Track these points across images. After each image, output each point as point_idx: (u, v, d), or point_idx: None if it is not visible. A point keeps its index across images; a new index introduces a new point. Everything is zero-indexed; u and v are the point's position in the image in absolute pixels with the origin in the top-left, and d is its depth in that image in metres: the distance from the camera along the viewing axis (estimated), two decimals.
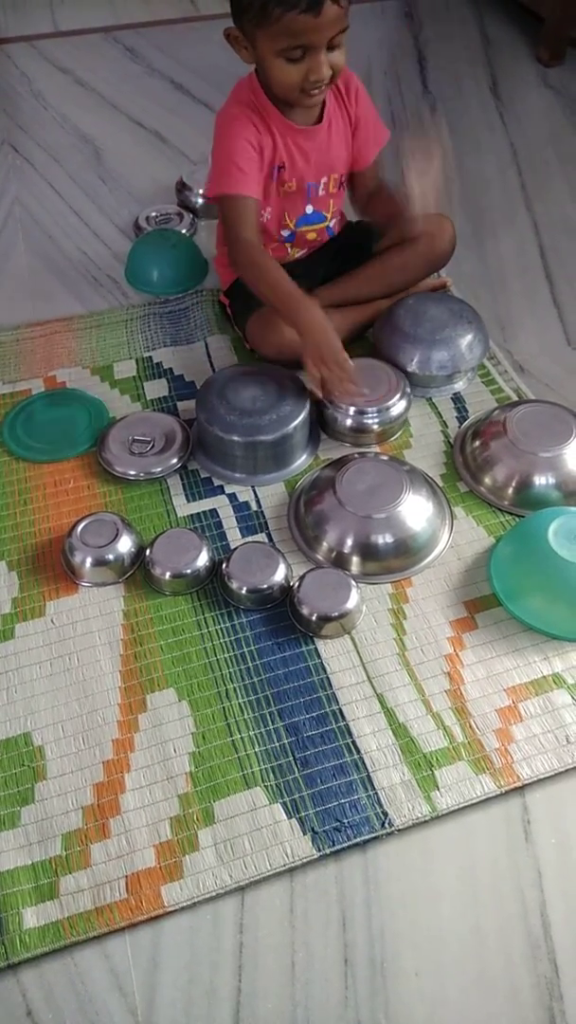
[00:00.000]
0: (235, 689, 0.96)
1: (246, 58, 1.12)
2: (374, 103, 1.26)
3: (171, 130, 1.89)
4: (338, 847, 0.84)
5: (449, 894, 0.82)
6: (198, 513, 1.14)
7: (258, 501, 1.16)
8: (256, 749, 0.91)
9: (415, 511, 1.07)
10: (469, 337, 1.25)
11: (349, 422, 1.20)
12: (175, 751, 0.91)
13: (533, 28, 2.21)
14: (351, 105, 1.22)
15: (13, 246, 1.60)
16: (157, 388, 1.31)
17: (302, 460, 1.20)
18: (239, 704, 0.95)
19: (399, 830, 0.85)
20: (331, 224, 1.31)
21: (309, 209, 1.26)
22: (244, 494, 1.17)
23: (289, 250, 1.31)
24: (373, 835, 0.85)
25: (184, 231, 1.58)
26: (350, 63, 1.14)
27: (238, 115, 1.16)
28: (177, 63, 2.14)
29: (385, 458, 1.14)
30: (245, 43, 1.09)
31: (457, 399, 1.30)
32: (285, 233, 1.27)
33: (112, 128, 1.92)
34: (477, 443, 1.18)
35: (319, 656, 0.99)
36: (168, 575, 1.03)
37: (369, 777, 0.89)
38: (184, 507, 1.15)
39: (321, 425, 1.24)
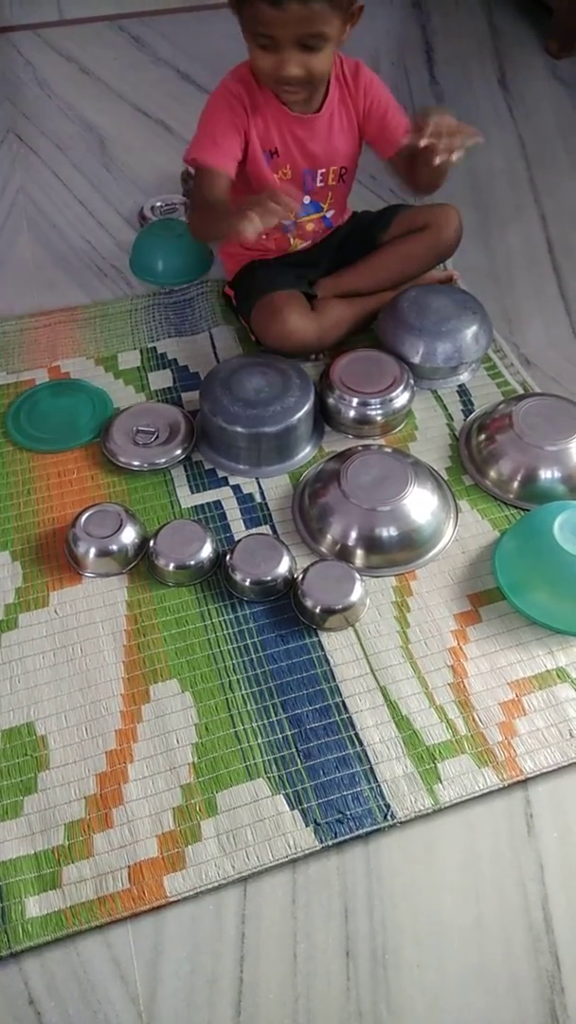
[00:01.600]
0: (238, 681, 0.96)
1: (243, 33, 1.11)
2: None
3: (176, 119, 1.88)
4: (340, 839, 0.84)
5: (451, 887, 0.82)
6: (202, 504, 1.14)
7: (262, 493, 1.15)
8: (259, 740, 0.91)
9: (420, 504, 1.07)
10: (474, 328, 1.24)
11: (352, 413, 1.20)
12: (178, 742, 0.91)
13: (542, 19, 2.19)
14: (359, 98, 1.20)
15: (18, 235, 1.59)
16: (161, 379, 1.31)
17: (306, 452, 1.20)
18: (242, 696, 0.94)
19: (401, 822, 0.85)
20: (328, 215, 1.30)
21: (306, 200, 1.25)
22: (248, 486, 1.16)
23: (291, 240, 1.30)
24: (375, 827, 0.85)
25: None
26: (358, 53, 1.13)
27: (230, 92, 1.16)
28: (183, 52, 2.13)
29: (390, 451, 1.14)
30: (238, 18, 1.09)
31: (463, 392, 1.29)
32: (285, 222, 1.26)
33: (117, 117, 1.91)
34: (483, 436, 1.18)
35: (322, 648, 0.99)
36: (172, 566, 1.03)
37: (372, 769, 0.89)
38: (188, 498, 1.15)
39: (325, 417, 1.24)
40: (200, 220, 1.20)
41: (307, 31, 1.03)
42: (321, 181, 1.24)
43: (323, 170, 1.23)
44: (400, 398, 1.20)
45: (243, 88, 1.16)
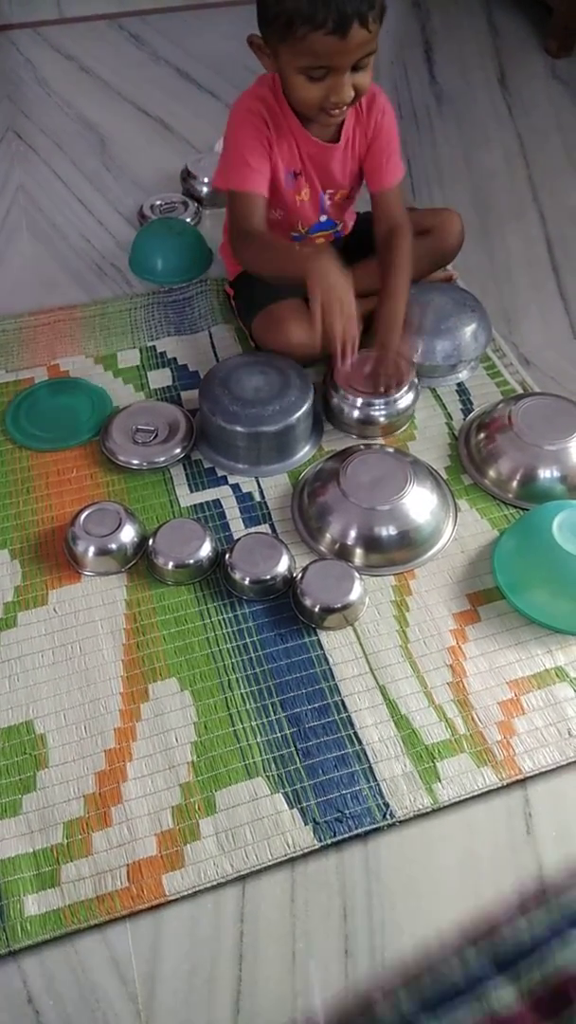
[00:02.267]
0: (237, 679, 0.96)
1: (268, 66, 1.09)
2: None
3: (176, 118, 1.88)
4: (339, 838, 0.84)
5: (450, 886, 0.82)
6: (201, 503, 1.14)
7: (261, 492, 1.15)
8: (258, 739, 0.91)
9: (419, 503, 1.07)
10: (473, 326, 1.24)
11: (356, 414, 1.20)
12: (177, 740, 0.91)
13: (541, 19, 2.19)
14: (369, 126, 1.19)
15: (17, 234, 1.59)
16: (161, 377, 1.31)
17: (305, 451, 1.20)
18: (241, 694, 0.94)
19: (400, 821, 0.85)
20: (340, 228, 1.31)
21: (323, 218, 1.26)
22: (247, 485, 1.16)
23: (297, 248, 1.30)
24: (374, 826, 0.85)
25: (189, 220, 1.57)
26: None
27: (255, 111, 1.14)
28: (183, 51, 2.13)
29: (389, 450, 1.14)
30: (268, 52, 1.06)
31: (462, 391, 1.29)
32: (294, 235, 1.26)
33: (117, 116, 1.91)
34: (482, 436, 1.18)
35: (321, 647, 0.99)
36: (171, 565, 1.03)
37: (371, 768, 0.89)
38: (187, 497, 1.15)
39: (328, 417, 1.24)
40: (258, 258, 1.15)
41: (365, 52, 1.01)
42: (329, 200, 1.24)
43: (331, 191, 1.23)
44: (404, 399, 1.20)
45: (264, 108, 1.13)
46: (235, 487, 1.16)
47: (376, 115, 1.19)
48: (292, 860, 0.83)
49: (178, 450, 1.17)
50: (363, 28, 0.98)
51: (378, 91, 1.19)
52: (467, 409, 1.26)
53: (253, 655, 0.98)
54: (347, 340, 1.09)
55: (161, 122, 1.89)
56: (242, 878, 0.82)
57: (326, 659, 0.98)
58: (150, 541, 1.05)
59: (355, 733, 0.91)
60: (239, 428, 1.13)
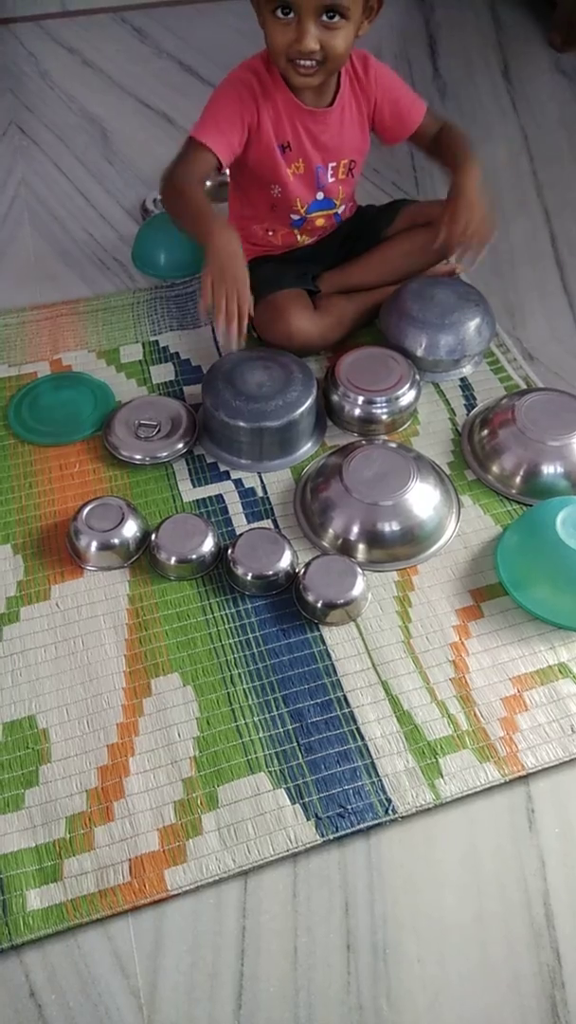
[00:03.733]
0: (240, 675, 0.96)
1: (259, 20, 1.09)
2: None
3: (179, 112, 1.87)
4: (341, 833, 0.84)
5: (452, 882, 0.82)
6: (204, 498, 1.14)
7: (264, 487, 1.15)
8: (260, 735, 0.91)
9: (422, 499, 1.07)
10: (477, 320, 1.24)
11: (358, 412, 1.19)
12: (179, 735, 0.91)
13: (545, 13, 2.18)
14: (370, 89, 1.19)
15: (19, 228, 1.59)
16: (163, 372, 1.31)
17: (308, 447, 1.19)
18: (244, 690, 0.94)
19: (403, 817, 0.85)
20: (340, 211, 1.30)
21: (320, 195, 1.25)
22: (250, 480, 1.16)
23: (298, 236, 1.30)
24: (377, 822, 0.85)
25: None
26: (361, 45, 1.12)
27: (242, 80, 1.14)
28: (186, 44, 2.12)
29: (392, 445, 1.13)
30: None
31: (465, 387, 1.29)
32: (295, 217, 1.26)
33: (119, 109, 1.90)
34: (485, 431, 1.18)
35: (324, 643, 0.98)
36: (173, 560, 1.03)
37: (373, 764, 0.89)
38: (190, 492, 1.14)
39: (329, 414, 1.23)
40: (173, 204, 1.15)
41: (330, 1, 1.01)
42: (332, 176, 1.23)
43: (333, 163, 1.22)
44: (406, 396, 1.19)
45: (255, 78, 1.14)
46: (238, 482, 1.16)
47: (373, 76, 1.19)
48: (294, 855, 0.83)
49: (181, 445, 1.17)
50: None
51: (367, 54, 1.19)
52: (470, 404, 1.26)
53: (255, 650, 0.98)
54: (232, 311, 1.05)
55: (164, 116, 1.88)
56: (244, 873, 0.82)
57: (328, 655, 0.97)
58: (152, 536, 1.05)
59: (357, 729, 0.91)
60: (242, 423, 1.13)
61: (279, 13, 1.03)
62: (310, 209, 1.25)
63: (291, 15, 1.03)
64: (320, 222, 1.29)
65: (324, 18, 1.03)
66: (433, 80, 2.02)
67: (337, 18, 1.03)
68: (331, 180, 1.24)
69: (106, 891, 0.80)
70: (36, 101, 1.93)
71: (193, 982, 0.77)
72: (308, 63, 1.07)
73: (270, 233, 1.28)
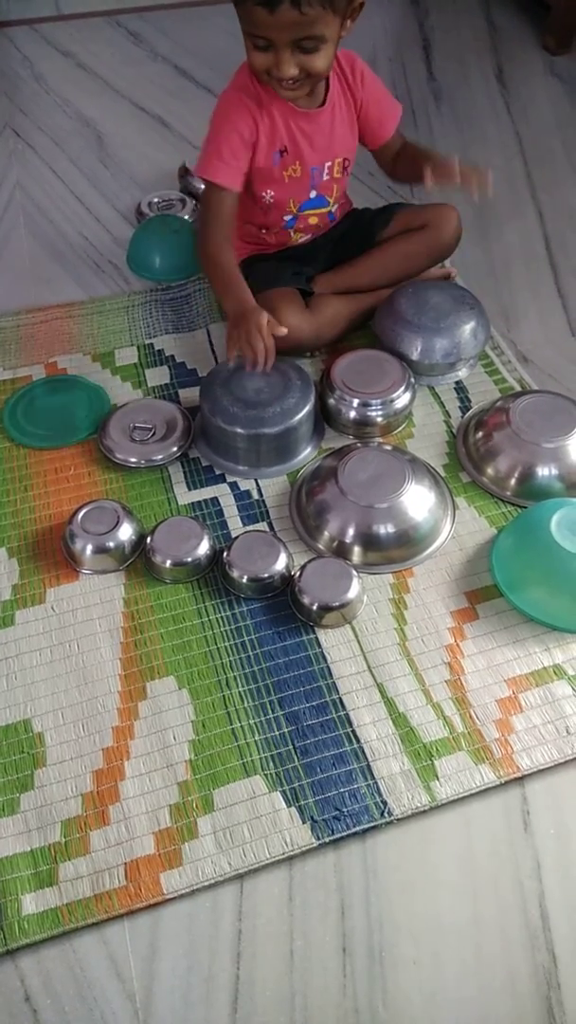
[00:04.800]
0: (235, 678, 0.96)
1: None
2: None
3: (174, 115, 1.88)
4: (337, 836, 0.84)
5: (448, 884, 0.82)
6: (199, 501, 1.14)
7: (259, 490, 1.15)
8: (256, 737, 0.91)
9: (417, 501, 1.07)
10: (472, 324, 1.24)
11: (353, 415, 1.20)
12: (175, 739, 0.91)
13: (540, 16, 2.19)
14: (356, 88, 1.21)
15: (14, 231, 1.59)
16: (158, 375, 1.31)
17: (306, 453, 1.19)
18: (239, 693, 0.94)
19: (398, 819, 0.85)
20: (333, 209, 1.30)
21: (313, 194, 1.25)
22: (246, 483, 1.16)
23: (292, 235, 1.30)
24: (372, 824, 0.85)
25: (186, 217, 1.57)
26: (355, 48, 1.13)
27: (235, 101, 1.15)
28: (180, 48, 2.12)
29: (387, 448, 1.13)
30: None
31: (460, 389, 1.29)
32: (287, 217, 1.26)
33: (114, 113, 1.90)
34: (480, 433, 1.18)
35: (319, 645, 0.98)
36: (169, 563, 1.03)
37: (369, 766, 0.89)
38: (185, 495, 1.14)
39: (325, 417, 1.23)
40: (205, 267, 1.21)
41: (302, 35, 1.02)
42: (327, 175, 1.24)
43: (329, 163, 1.23)
44: (401, 399, 1.20)
45: (247, 95, 1.15)
46: (233, 485, 1.16)
47: (359, 78, 1.21)
48: (290, 858, 0.83)
49: (176, 448, 1.17)
50: (295, 8, 0.98)
51: (354, 55, 1.20)
52: (465, 407, 1.26)
53: (251, 653, 0.98)
54: (259, 361, 1.11)
55: (159, 119, 1.88)
56: (240, 876, 0.82)
57: (324, 657, 0.97)
58: (148, 539, 1.05)
59: (353, 731, 0.91)
60: (239, 430, 1.12)
61: (256, 43, 1.05)
62: (303, 207, 1.26)
63: (265, 44, 1.04)
64: (313, 220, 1.29)
65: (300, 47, 1.04)
66: (428, 83, 2.02)
67: (313, 44, 1.04)
68: (326, 178, 1.25)
69: (101, 895, 0.80)
70: (31, 104, 1.93)
71: (189, 986, 0.77)
72: (291, 83, 1.09)
73: (263, 231, 1.28)
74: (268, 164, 1.19)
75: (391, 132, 1.27)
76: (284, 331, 1.12)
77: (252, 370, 1.13)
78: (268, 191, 1.22)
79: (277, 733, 0.91)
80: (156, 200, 1.60)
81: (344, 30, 1.08)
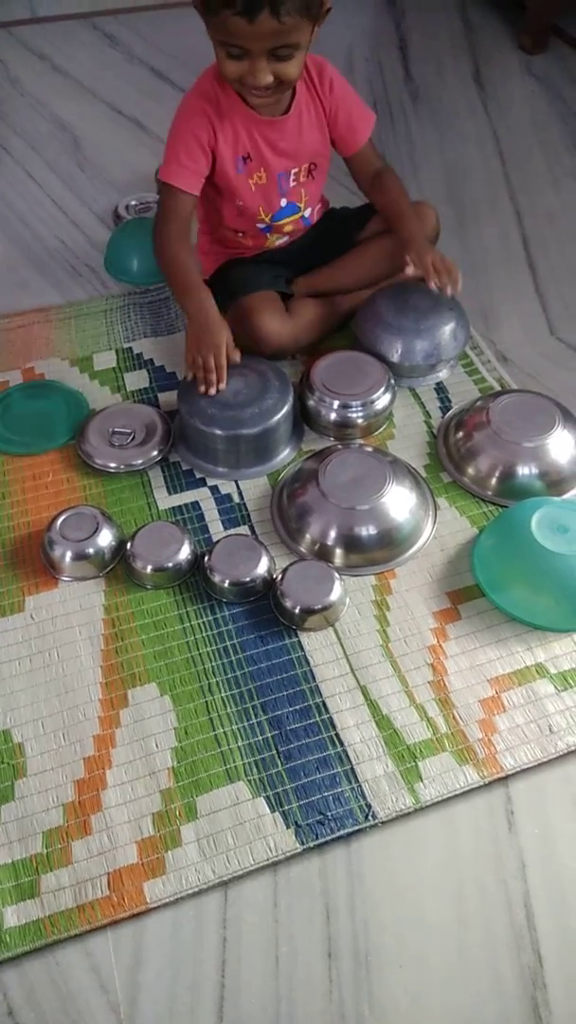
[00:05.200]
0: (218, 683, 0.95)
1: (209, 34, 1.09)
2: (356, 91, 1.24)
3: (150, 117, 1.87)
4: (322, 840, 0.84)
5: (433, 886, 0.82)
6: (180, 506, 1.13)
7: (240, 493, 1.15)
8: (239, 743, 0.90)
9: (398, 502, 1.07)
10: (452, 325, 1.24)
11: (333, 416, 1.19)
12: (157, 746, 0.90)
13: (516, 16, 2.20)
14: (324, 95, 1.20)
15: None
16: (137, 379, 1.30)
17: (285, 454, 1.19)
18: (222, 698, 0.94)
19: (383, 822, 0.85)
20: (306, 214, 1.30)
21: (283, 202, 1.25)
22: (226, 487, 1.15)
23: (268, 237, 1.29)
24: (357, 828, 0.84)
25: None
26: (333, 49, 1.13)
27: (194, 108, 1.15)
28: (156, 50, 2.11)
29: (368, 449, 1.13)
30: (204, 20, 1.07)
31: (440, 389, 1.29)
32: (261, 226, 1.26)
33: (91, 115, 1.89)
34: (460, 433, 1.18)
35: (302, 649, 0.98)
36: (150, 569, 1.02)
37: (353, 770, 0.88)
38: (165, 500, 1.14)
39: (305, 419, 1.23)
40: (163, 268, 1.20)
41: (280, 43, 1.01)
42: (294, 180, 1.23)
43: (295, 169, 1.22)
44: (381, 400, 1.19)
45: (207, 102, 1.14)
46: (214, 489, 1.15)
47: (328, 84, 1.20)
48: (274, 864, 0.83)
49: (155, 452, 1.16)
50: (273, 17, 0.97)
51: (323, 61, 1.20)
52: (445, 407, 1.26)
53: (233, 658, 0.97)
54: (211, 379, 1.12)
55: (136, 122, 1.87)
56: (224, 883, 0.82)
57: (307, 660, 0.97)
58: (128, 545, 1.04)
59: (337, 734, 0.91)
60: (217, 431, 1.12)
61: (230, 52, 1.04)
62: (276, 217, 1.26)
63: (240, 53, 1.03)
64: (288, 228, 1.29)
65: (275, 55, 1.03)
66: (405, 83, 2.03)
67: (288, 51, 1.03)
68: (292, 184, 1.24)
69: (84, 906, 0.79)
70: (6, 108, 1.92)
71: (174, 996, 0.76)
72: (264, 90, 1.08)
73: (240, 235, 1.28)
74: (232, 171, 1.18)
75: (363, 140, 1.26)
76: (238, 359, 1.14)
77: (203, 392, 1.13)
78: (238, 200, 1.22)
79: (260, 738, 0.91)
80: (133, 203, 1.59)
81: (313, 36, 1.07)
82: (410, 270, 1.19)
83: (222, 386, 1.13)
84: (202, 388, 1.13)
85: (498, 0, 2.28)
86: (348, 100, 1.22)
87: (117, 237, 1.49)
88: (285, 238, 1.31)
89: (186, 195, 1.17)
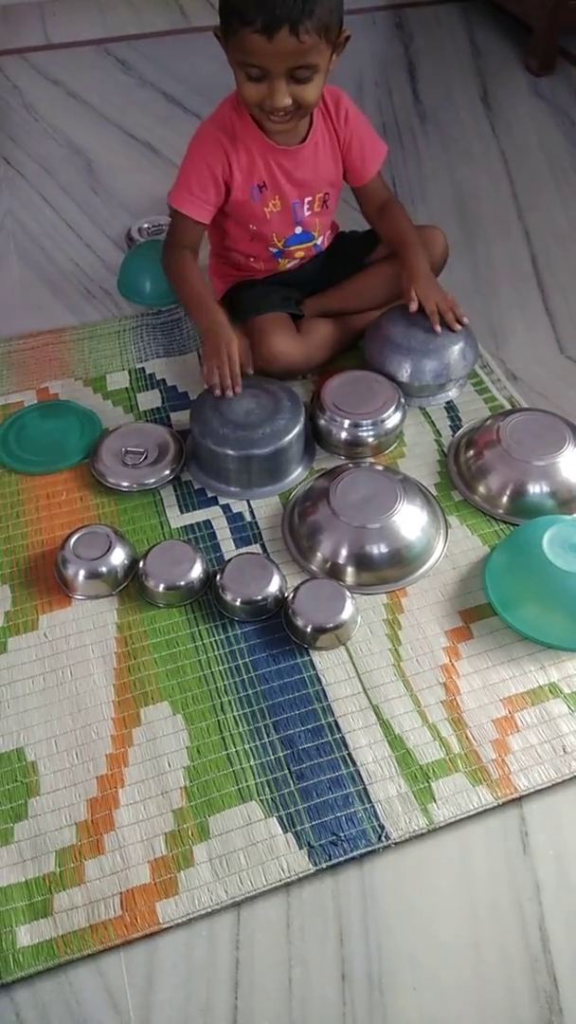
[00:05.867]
0: (230, 702, 0.95)
1: (229, 60, 1.11)
2: (365, 114, 1.26)
3: (163, 142, 1.90)
4: (335, 861, 0.83)
5: (447, 907, 0.82)
6: (191, 524, 1.14)
7: (252, 512, 1.15)
8: (251, 762, 0.90)
9: (409, 521, 1.07)
10: (461, 344, 1.25)
11: (344, 435, 1.20)
12: (169, 765, 0.90)
13: (522, 38, 2.22)
14: (340, 126, 1.21)
15: (5, 257, 1.60)
16: (150, 399, 1.31)
17: (297, 474, 1.20)
18: (234, 717, 0.94)
19: (396, 843, 0.85)
20: (319, 242, 1.31)
21: (298, 230, 1.26)
22: (238, 505, 1.16)
23: (279, 262, 1.31)
24: (370, 848, 0.84)
25: None
26: (343, 73, 1.14)
27: (210, 137, 1.16)
28: (168, 75, 2.15)
29: (379, 468, 1.14)
30: (223, 44, 1.08)
31: (450, 408, 1.30)
32: (273, 251, 1.27)
33: (104, 140, 1.92)
34: (471, 452, 1.18)
35: (314, 668, 0.98)
36: (162, 587, 1.03)
37: (365, 790, 0.88)
38: (177, 518, 1.15)
39: (316, 438, 1.24)
40: (173, 283, 1.24)
41: (299, 63, 1.02)
42: (308, 210, 1.25)
43: (309, 198, 1.24)
44: (392, 419, 1.20)
45: (222, 131, 1.16)
46: (225, 507, 1.16)
47: (343, 116, 1.21)
48: (287, 885, 0.83)
49: (168, 471, 1.17)
50: (293, 35, 0.99)
51: (340, 92, 1.21)
52: (456, 426, 1.27)
53: (245, 677, 0.97)
54: (226, 384, 1.15)
55: (148, 146, 1.90)
56: (237, 904, 0.82)
57: (319, 679, 0.97)
58: (140, 563, 1.05)
59: (349, 754, 0.91)
60: (229, 451, 1.13)
61: (249, 73, 1.05)
62: (288, 243, 1.27)
63: (259, 74, 1.04)
64: (300, 254, 1.30)
65: (293, 76, 1.04)
66: (414, 105, 2.05)
67: (307, 73, 1.04)
68: (308, 214, 1.25)
69: (97, 925, 0.79)
70: (21, 133, 1.95)
71: (186, 1017, 0.76)
72: (282, 114, 1.09)
73: (251, 259, 1.29)
74: (246, 198, 1.20)
75: (373, 173, 1.27)
76: (251, 370, 1.17)
77: (220, 395, 1.15)
78: (251, 225, 1.23)
79: (272, 758, 0.91)
80: (146, 226, 1.62)
81: (332, 63, 1.09)
82: (413, 306, 1.21)
83: (238, 389, 1.15)
84: (217, 392, 1.15)
85: (505, 22, 2.31)
86: (362, 132, 1.24)
87: (130, 259, 1.51)
88: (295, 262, 1.33)
89: (194, 224, 1.20)
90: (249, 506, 1.16)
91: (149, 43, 2.29)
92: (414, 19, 2.42)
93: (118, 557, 1.05)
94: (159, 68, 2.18)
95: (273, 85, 1.05)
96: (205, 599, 1.05)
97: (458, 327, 1.22)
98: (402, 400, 1.22)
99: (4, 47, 2.27)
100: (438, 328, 1.21)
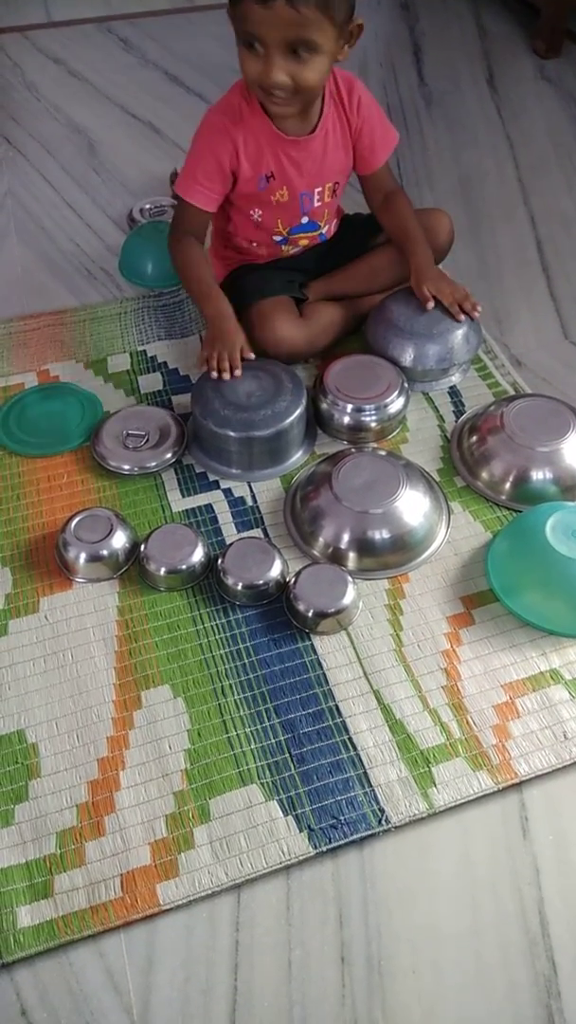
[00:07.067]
0: (231, 686, 0.95)
1: (236, 38, 1.09)
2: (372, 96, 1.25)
3: (165, 121, 1.88)
4: (335, 844, 0.84)
5: (446, 891, 0.82)
6: (193, 508, 1.13)
7: (254, 496, 1.15)
8: (252, 746, 0.90)
9: (412, 506, 1.06)
10: (464, 329, 1.24)
11: (347, 419, 1.19)
12: (170, 748, 0.90)
13: (529, 20, 2.20)
14: (352, 115, 1.19)
15: (6, 238, 1.58)
16: (151, 382, 1.30)
17: (298, 456, 1.19)
18: (235, 701, 0.94)
19: (396, 827, 0.85)
20: (324, 231, 1.30)
21: (304, 220, 1.25)
22: (240, 489, 1.16)
23: (283, 248, 1.29)
24: (370, 832, 0.84)
25: None
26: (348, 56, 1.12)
27: (217, 126, 1.14)
28: (171, 54, 2.12)
29: (382, 453, 1.13)
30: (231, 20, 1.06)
31: (454, 393, 1.29)
32: (277, 238, 1.26)
33: (105, 119, 1.90)
34: (474, 438, 1.18)
35: (315, 652, 0.98)
36: (163, 571, 1.02)
37: (366, 774, 0.88)
38: (179, 502, 1.14)
39: (318, 422, 1.23)
40: (179, 270, 1.23)
41: (295, 35, 1.00)
42: (318, 200, 1.23)
43: (319, 188, 1.22)
44: (395, 404, 1.19)
45: (230, 119, 1.14)
46: (227, 491, 1.15)
47: (356, 104, 1.19)
48: (287, 868, 0.83)
49: (169, 455, 1.17)
50: (289, 5, 0.97)
51: (353, 78, 1.19)
52: (459, 411, 1.26)
53: (246, 661, 0.97)
54: (224, 367, 1.15)
55: (150, 125, 1.88)
56: (237, 886, 0.82)
57: (320, 664, 0.97)
58: (142, 547, 1.04)
59: (350, 738, 0.91)
60: (231, 433, 1.12)
61: (247, 41, 1.03)
62: (293, 231, 1.26)
63: (260, 49, 1.02)
64: (304, 242, 1.29)
65: (293, 52, 1.02)
66: (419, 88, 2.03)
67: (306, 52, 1.02)
68: (317, 204, 1.24)
69: (97, 907, 0.79)
70: (22, 112, 1.93)
71: (186, 998, 0.76)
72: (281, 93, 1.06)
73: (254, 244, 1.28)
74: (254, 189, 1.18)
75: (381, 162, 1.26)
76: (252, 357, 1.17)
77: (217, 378, 1.15)
78: (256, 211, 1.22)
79: (273, 741, 0.91)
80: (148, 207, 1.60)
81: (341, 53, 1.06)
82: (430, 305, 1.21)
83: (237, 372, 1.15)
84: (214, 375, 1.14)
85: (512, 4, 2.28)
86: (374, 121, 1.21)
87: (131, 241, 1.50)
88: (298, 249, 1.31)
89: (200, 213, 1.19)
90: (251, 490, 1.15)
91: (151, 21, 2.26)
92: (420, 0, 2.39)
93: (119, 540, 1.04)
94: (161, 47, 2.15)
95: (270, 59, 1.02)
96: (206, 583, 1.04)
97: (476, 314, 1.22)
98: (405, 385, 1.21)
99: (5, 25, 2.24)
100: (461, 318, 1.21)
